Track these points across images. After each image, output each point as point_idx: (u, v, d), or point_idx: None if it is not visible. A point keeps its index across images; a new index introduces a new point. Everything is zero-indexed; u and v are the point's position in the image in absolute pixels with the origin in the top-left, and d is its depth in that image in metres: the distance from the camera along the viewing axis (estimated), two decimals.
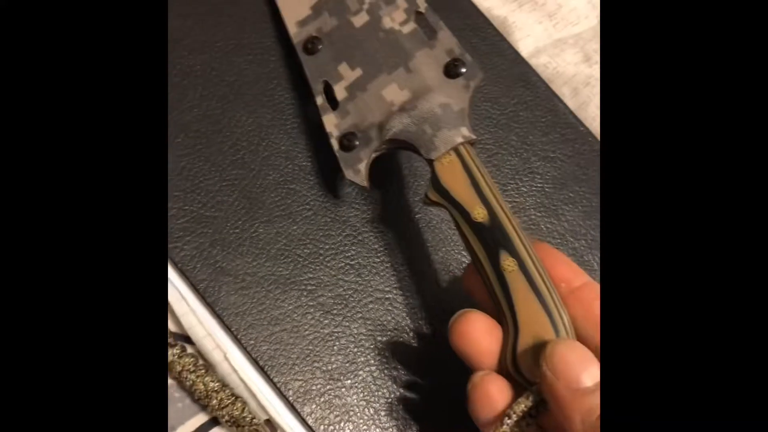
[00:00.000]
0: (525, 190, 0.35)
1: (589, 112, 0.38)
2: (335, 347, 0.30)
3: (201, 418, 0.29)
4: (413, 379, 0.30)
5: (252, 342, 0.30)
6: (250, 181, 0.33)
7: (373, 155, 0.30)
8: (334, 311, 0.31)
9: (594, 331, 0.24)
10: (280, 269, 0.31)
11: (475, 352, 0.25)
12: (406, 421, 0.30)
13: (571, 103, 0.37)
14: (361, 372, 0.30)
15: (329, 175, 0.33)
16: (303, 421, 0.29)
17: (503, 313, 0.26)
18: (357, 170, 0.30)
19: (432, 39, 0.31)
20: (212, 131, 0.34)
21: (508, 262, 0.25)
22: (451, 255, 0.33)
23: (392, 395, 0.30)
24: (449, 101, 0.29)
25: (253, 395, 0.29)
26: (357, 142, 0.30)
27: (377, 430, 0.30)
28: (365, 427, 0.30)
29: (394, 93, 0.31)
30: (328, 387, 0.30)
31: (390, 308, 0.31)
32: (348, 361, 0.30)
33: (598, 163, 0.35)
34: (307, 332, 0.31)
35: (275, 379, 0.30)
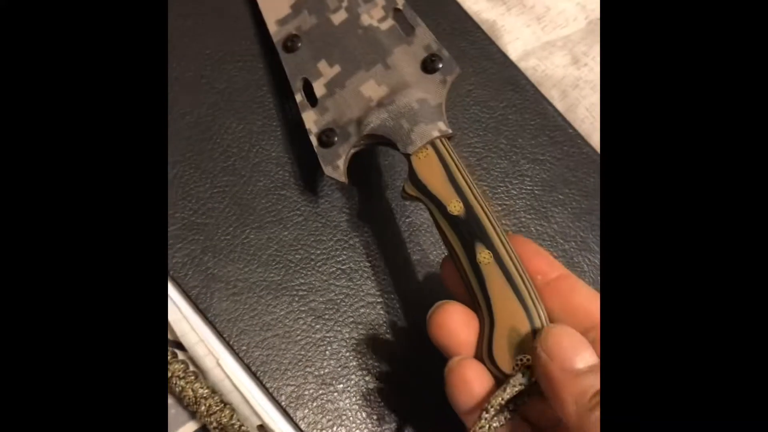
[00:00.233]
0: (515, 192, 0.35)
1: (578, 114, 0.38)
2: (327, 352, 0.31)
3: (192, 426, 0.29)
4: (405, 382, 0.31)
5: (244, 348, 0.30)
6: (241, 188, 0.33)
7: (352, 151, 0.30)
8: (326, 316, 0.31)
9: (572, 322, 0.24)
10: (272, 275, 0.32)
11: (453, 344, 0.26)
12: (399, 424, 0.30)
13: (560, 106, 0.38)
14: (353, 376, 0.30)
15: (319, 181, 0.34)
16: (296, 426, 0.29)
17: (479, 305, 0.26)
18: (336, 166, 0.30)
19: (410, 35, 0.32)
20: (203, 138, 0.34)
21: (483, 255, 0.26)
22: (442, 258, 0.33)
23: (384, 399, 0.30)
24: (426, 96, 0.29)
25: (246, 401, 0.29)
26: (336, 138, 0.30)
27: None
28: (358, 431, 0.30)
29: (372, 89, 0.31)
30: (320, 392, 0.30)
31: (381, 312, 0.32)
32: (340, 366, 0.30)
33: (586, 165, 0.35)
34: (299, 337, 0.31)
35: (268, 385, 0.30)
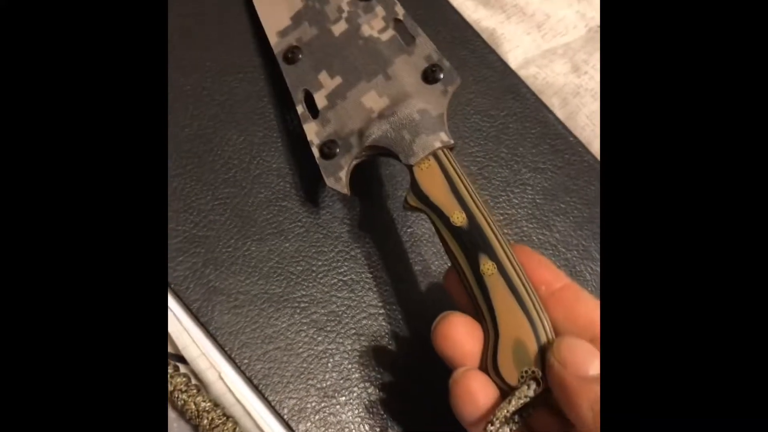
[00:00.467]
0: (516, 201, 0.35)
1: (579, 122, 0.38)
2: (329, 364, 0.31)
3: None
4: (408, 394, 0.30)
5: (246, 361, 0.30)
6: (242, 200, 0.33)
7: (354, 162, 0.30)
8: (328, 328, 0.31)
9: (575, 332, 0.25)
10: (273, 287, 0.32)
11: (458, 354, 0.26)
12: None
13: (560, 114, 0.38)
14: (355, 389, 0.30)
15: (321, 192, 0.34)
16: None
17: (483, 317, 0.26)
18: (338, 178, 0.30)
19: (410, 45, 0.32)
20: (204, 150, 0.34)
21: (487, 266, 0.26)
22: (445, 268, 0.33)
23: (387, 411, 0.30)
24: (427, 107, 0.29)
25: (248, 414, 0.29)
26: (338, 150, 0.30)
27: None
28: None
29: (373, 100, 0.31)
30: (323, 404, 0.30)
31: (383, 323, 0.32)
32: (342, 378, 0.30)
33: (588, 173, 0.35)
34: (300, 350, 0.31)
35: (270, 398, 0.30)
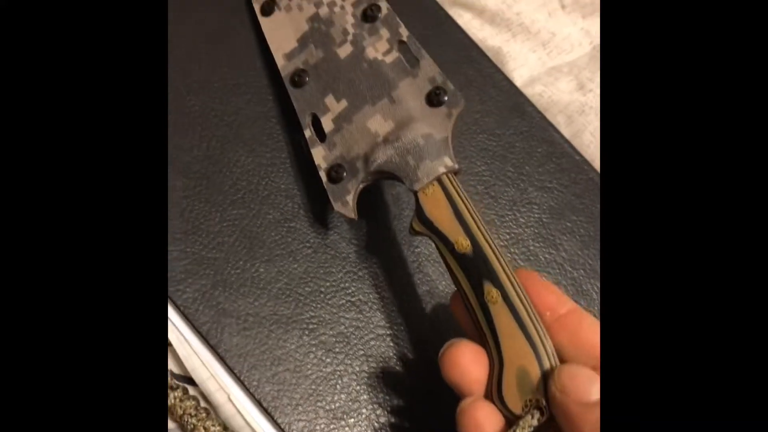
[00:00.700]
0: (523, 221, 0.35)
1: (584, 140, 0.38)
2: (338, 386, 0.31)
3: None
4: (416, 415, 0.31)
5: (255, 383, 0.30)
6: (251, 221, 0.33)
7: (361, 186, 0.31)
8: (336, 349, 0.31)
9: (581, 357, 0.25)
10: (282, 309, 0.32)
11: (465, 382, 0.26)
12: None
13: (566, 132, 0.38)
14: (364, 410, 0.30)
15: (328, 213, 0.34)
16: None
17: (488, 344, 0.26)
18: (345, 202, 0.30)
19: (414, 67, 0.32)
20: (212, 171, 0.34)
21: (491, 294, 0.26)
22: (452, 289, 0.33)
23: None
24: (432, 131, 0.30)
25: None
26: (344, 174, 0.31)
27: None
28: None
29: (378, 124, 0.31)
30: (331, 426, 0.30)
31: (392, 344, 0.32)
32: (351, 400, 0.31)
33: (594, 191, 0.36)
34: (309, 372, 0.31)
35: (279, 420, 0.30)
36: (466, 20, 0.40)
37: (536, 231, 0.35)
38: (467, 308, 0.27)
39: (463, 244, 0.27)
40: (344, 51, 0.33)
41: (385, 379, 0.31)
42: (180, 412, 0.28)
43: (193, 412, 0.28)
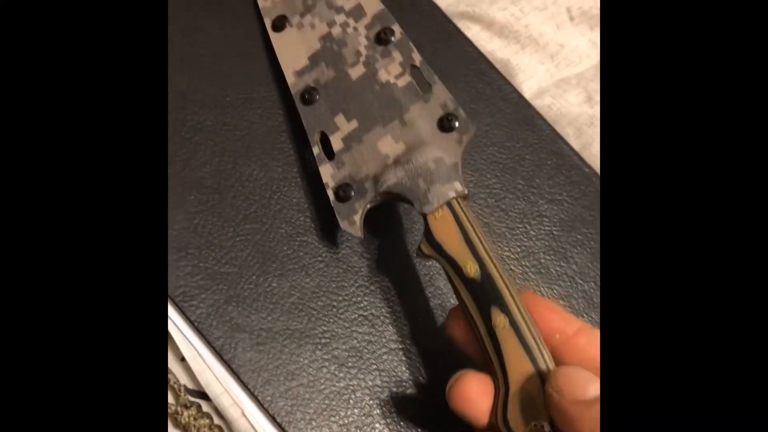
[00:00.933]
0: (533, 234, 0.35)
1: (593, 151, 0.38)
2: (351, 400, 0.31)
3: None
4: (429, 429, 0.31)
5: (269, 398, 0.30)
6: (263, 235, 0.34)
7: (368, 206, 0.31)
8: (349, 364, 0.31)
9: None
10: (295, 323, 0.32)
11: (474, 414, 0.26)
12: None
13: (575, 144, 0.38)
14: (377, 425, 0.31)
15: (340, 228, 0.34)
16: None
17: (494, 369, 0.26)
18: (352, 221, 0.31)
19: (427, 92, 0.32)
20: (225, 186, 0.34)
21: (499, 319, 0.26)
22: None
23: None
24: (442, 155, 0.30)
25: None
26: (352, 193, 0.31)
27: None
28: None
29: (389, 145, 0.31)
30: None
31: (404, 359, 0.32)
32: (364, 414, 0.31)
33: None
34: (323, 386, 0.31)
35: None
36: (474, 32, 0.40)
37: (547, 244, 0.35)
38: (474, 332, 0.27)
39: (472, 268, 0.27)
40: (356, 72, 0.33)
41: (398, 394, 0.31)
42: (194, 430, 0.29)
43: (207, 431, 0.29)
